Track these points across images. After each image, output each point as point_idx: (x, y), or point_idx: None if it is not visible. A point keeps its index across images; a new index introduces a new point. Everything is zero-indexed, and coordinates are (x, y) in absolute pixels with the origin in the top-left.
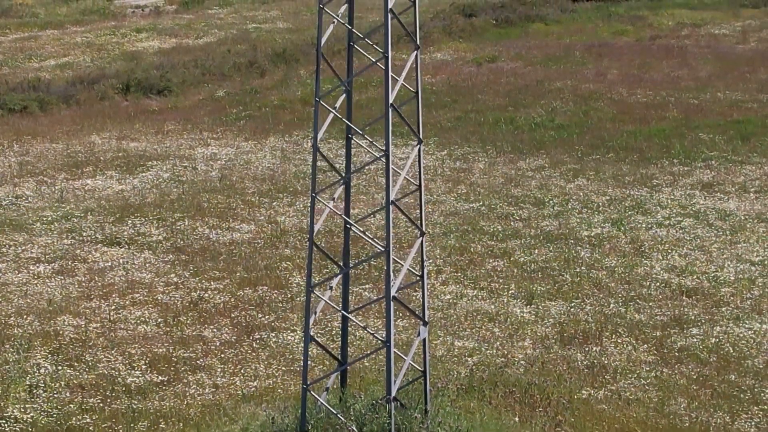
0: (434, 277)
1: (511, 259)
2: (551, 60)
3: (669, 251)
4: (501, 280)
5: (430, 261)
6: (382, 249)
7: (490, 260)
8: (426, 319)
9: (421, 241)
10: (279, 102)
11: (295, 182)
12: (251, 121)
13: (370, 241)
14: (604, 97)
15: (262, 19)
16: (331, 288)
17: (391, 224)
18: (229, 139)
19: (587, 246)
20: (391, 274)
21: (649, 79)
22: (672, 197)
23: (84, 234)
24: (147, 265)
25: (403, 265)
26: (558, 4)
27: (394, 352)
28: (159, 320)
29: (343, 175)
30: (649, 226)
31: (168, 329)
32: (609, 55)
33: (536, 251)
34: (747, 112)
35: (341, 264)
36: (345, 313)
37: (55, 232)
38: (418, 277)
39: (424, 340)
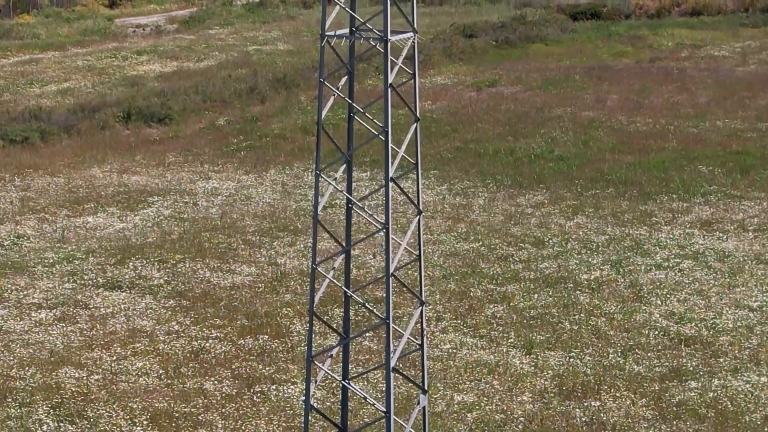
0: (434, 325)
1: (511, 304)
2: (551, 84)
3: (668, 296)
4: (501, 328)
5: (430, 307)
6: (382, 319)
7: (490, 306)
8: (426, 388)
9: (421, 311)
10: (280, 131)
11: (296, 220)
12: (252, 151)
13: (370, 310)
14: (603, 125)
15: (262, 40)
16: (331, 356)
17: (391, 294)
18: (230, 171)
19: (586, 290)
20: (391, 344)
21: (648, 105)
22: (671, 236)
23: (85, 277)
24: (148, 311)
25: (404, 334)
26: (558, 24)
27: (394, 419)
28: (160, 371)
29: (344, 245)
30: (648, 268)
31: (169, 381)
32: (609, 78)
33: (535, 296)
34: (746, 143)
35: (342, 333)
36: (345, 383)
37: (56, 275)
38: (418, 345)
39: (424, 407)
